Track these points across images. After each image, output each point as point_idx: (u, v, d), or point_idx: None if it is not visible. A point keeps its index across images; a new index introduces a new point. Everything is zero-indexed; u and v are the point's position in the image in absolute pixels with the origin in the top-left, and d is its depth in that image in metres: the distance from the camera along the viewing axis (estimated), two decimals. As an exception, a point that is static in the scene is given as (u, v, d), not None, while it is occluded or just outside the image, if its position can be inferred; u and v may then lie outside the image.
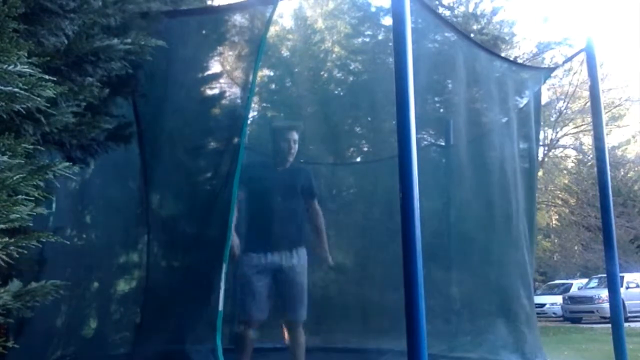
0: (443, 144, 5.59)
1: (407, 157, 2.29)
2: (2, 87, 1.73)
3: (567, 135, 19.46)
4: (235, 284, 3.37)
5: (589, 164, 19.18)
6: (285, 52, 10.17)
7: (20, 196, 1.80)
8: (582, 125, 18.68)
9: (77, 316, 3.90)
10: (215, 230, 3.20)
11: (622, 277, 14.24)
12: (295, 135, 3.50)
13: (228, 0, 4.70)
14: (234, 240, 3.14)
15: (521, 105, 4.94)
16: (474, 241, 4.79)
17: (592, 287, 16.16)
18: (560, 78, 17.12)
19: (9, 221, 1.78)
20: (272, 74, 9.12)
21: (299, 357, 3.33)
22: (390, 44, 2.50)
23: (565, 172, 20.90)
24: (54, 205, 3.17)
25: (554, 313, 16.66)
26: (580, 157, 20.64)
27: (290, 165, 3.55)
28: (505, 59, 5.88)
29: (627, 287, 14.70)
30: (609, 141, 20.11)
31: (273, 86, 8.98)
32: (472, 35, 12.07)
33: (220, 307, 2.85)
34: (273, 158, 3.56)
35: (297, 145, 3.50)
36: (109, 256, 4.10)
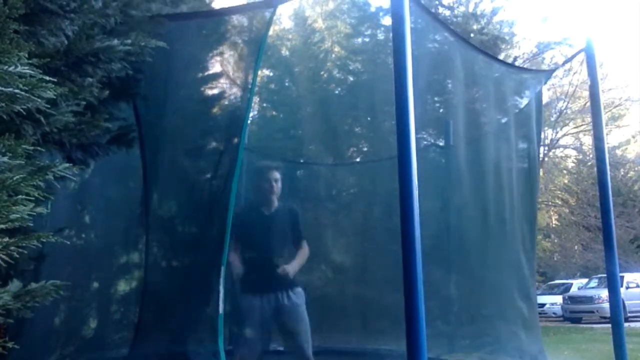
0: (443, 144, 5.59)
1: (407, 157, 2.29)
2: (3, 88, 1.73)
3: (567, 135, 19.46)
4: (233, 322, 3.42)
5: (589, 164, 19.17)
6: (285, 52, 10.17)
7: (20, 196, 1.80)
8: (582, 125, 18.69)
9: (77, 316, 3.90)
10: (215, 231, 3.20)
11: (622, 277, 14.25)
12: (276, 175, 3.46)
13: (228, 1, 4.70)
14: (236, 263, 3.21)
15: (522, 106, 4.94)
16: (474, 242, 4.78)
17: (592, 287, 16.17)
18: (560, 78, 17.12)
19: (9, 221, 1.78)
20: (272, 74, 9.13)
21: None
22: (390, 44, 2.50)
23: (565, 172, 20.89)
24: (49, 205, 3.16)
25: (554, 313, 16.66)
26: (580, 157, 20.63)
27: (278, 206, 3.50)
28: (505, 63, 5.88)
29: (627, 287, 14.71)
30: (609, 141, 20.12)
31: (273, 86, 8.99)
32: (472, 35, 12.07)
33: (221, 310, 2.85)
34: (258, 199, 3.51)
35: (279, 184, 3.46)
36: (109, 256, 4.10)
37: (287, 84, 9.06)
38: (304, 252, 3.49)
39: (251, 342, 3.28)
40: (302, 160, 6.42)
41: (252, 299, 3.31)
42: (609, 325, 3.97)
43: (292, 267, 3.35)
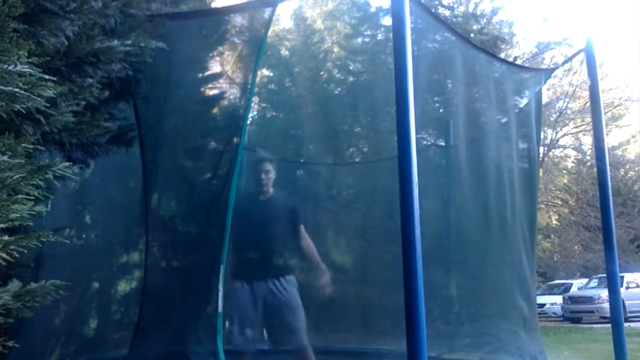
0: (443, 144, 5.59)
1: (407, 157, 2.29)
2: (3, 87, 1.73)
3: (567, 135, 19.46)
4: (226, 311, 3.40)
5: (589, 164, 19.19)
6: (284, 52, 10.16)
7: (20, 195, 1.80)
8: (582, 125, 18.68)
9: (77, 316, 3.90)
10: (214, 231, 3.20)
11: (622, 277, 14.25)
12: (267, 166, 3.52)
13: (228, 1, 4.70)
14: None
15: (521, 106, 4.94)
16: (474, 242, 4.78)
17: (592, 287, 16.16)
18: (560, 78, 17.08)
19: (9, 220, 1.78)
20: (271, 74, 9.12)
21: None
22: (390, 44, 2.50)
23: (565, 172, 20.89)
24: (49, 204, 3.16)
25: (554, 313, 16.66)
26: (580, 157, 20.65)
27: (274, 193, 3.56)
28: (505, 61, 5.87)
29: (627, 287, 14.70)
30: (609, 141, 20.12)
31: (273, 86, 8.98)
32: (472, 35, 12.07)
33: (220, 309, 2.85)
34: (252, 188, 3.60)
35: (271, 174, 3.52)
36: (109, 256, 4.10)
37: (287, 84, 9.05)
38: (305, 244, 3.50)
39: (244, 328, 3.28)
40: (302, 160, 6.42)
41: (244, 284, 3.32)
42: (609, 325, 3.97)
43: (319, 276, 3.39)
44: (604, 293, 12.64)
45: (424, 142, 6.12)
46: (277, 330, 3.43)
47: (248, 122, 4.07)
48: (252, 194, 3.58)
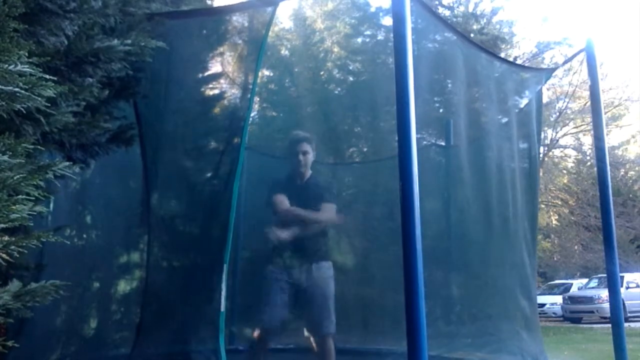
0: (443, 144, 5.59)
1: (407, 157, 2.29)
2: (3, 87, 1.73)
3: (567, 135, 19.48)
4: (259, 294, 3.39)
5: (589, 164, 19.22)
6: (284, 52, 10.16)
7: (20, 196, 1.80)
8: (582, 125, 18.71)
9: (78, 316, 3.90)
10: (216, 230, 3.20)
11: (622, 277, 14.26)
12: (304, 147, 3.45)
13: (228, 1, 4.70)
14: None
15: (522, 106, 4.94)
16: (475, 242, 4.78)
17: (592, 287, 16.18)
18: (560, 78, 17.12)
19: (10, 221, 1.77)
20: (271, 74, 9.12)
21: None
22: (390, 44, 2.50)
23: (565, 172, 20.90)
24: (51, 205, 3.16)
25: (554, 313, 16.66)
26: (580, 157, 20.66)
27: (311, 178, 3.50)
28: (505, 60, 5.87)
29: (627, 287, 14.71)
30: (609, 141, 20.14)
31: (273, 86, 8.98)
32: (471, 35, 12.08)
33: (222, 308, 2.85)
34: (289, 171, 3.54)
35: (310, 156, 3.46)
36: (110, 256, 4.10)
37: (287, 84, 9.05)
38: (321, 213, 3.42)
39: (273, 314, 3.28)
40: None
41: (276, 271, 3.32)
42: (609, 325, 3.97)
43: (290, 231, 3.29)
44: (604, 293, 12.65)
45: (425, 142, 6.11)
46: (305, 314, 3.44)
47: (248, 122, 4.06)
48: (289, 178, 3.48)
